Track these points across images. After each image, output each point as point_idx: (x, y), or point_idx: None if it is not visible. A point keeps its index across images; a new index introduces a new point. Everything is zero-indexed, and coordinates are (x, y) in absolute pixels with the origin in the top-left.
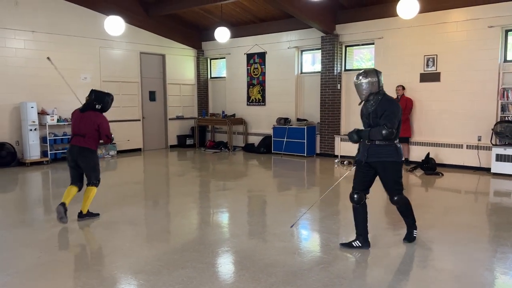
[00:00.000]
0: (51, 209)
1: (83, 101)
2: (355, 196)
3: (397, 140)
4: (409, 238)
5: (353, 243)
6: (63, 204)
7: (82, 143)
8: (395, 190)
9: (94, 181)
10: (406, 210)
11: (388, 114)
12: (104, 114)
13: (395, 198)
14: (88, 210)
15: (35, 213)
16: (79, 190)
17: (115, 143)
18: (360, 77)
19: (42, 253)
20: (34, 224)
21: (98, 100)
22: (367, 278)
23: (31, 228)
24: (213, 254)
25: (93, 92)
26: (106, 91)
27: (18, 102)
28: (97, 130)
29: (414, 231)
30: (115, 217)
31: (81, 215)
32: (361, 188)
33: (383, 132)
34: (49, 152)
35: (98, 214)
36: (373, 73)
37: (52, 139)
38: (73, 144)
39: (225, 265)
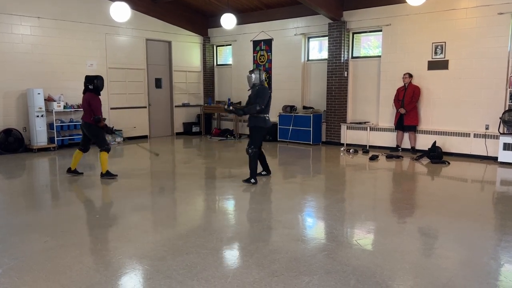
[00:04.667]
0: (57, 195)
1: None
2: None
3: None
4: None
5: (251, 180)
6: (69, 169)
7: (84, 118)
8: (249, 146)
9: (101, 147)
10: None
11: (260, 96)
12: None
13: (249, 151)
14: (107, 170)
15: (42, 198)
16: (84, 152)
17: (121, 130)
18: (248, 73)
19: (49, 238)
20: (41, 209)
21: (89, 82)
22: (370, 265)
23: (38, 213)
24: (218, 240)
25: (85, 77)
26: (95, 75)
27: (25, 88)
28: (90, 106)
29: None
30: (121, 203)
31: (101, 175)
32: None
33: (257, 108)
34: (56, 139)
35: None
36: (256, 70)
37: (58, 126)
38: (81, 118)
39: (229, 251)
